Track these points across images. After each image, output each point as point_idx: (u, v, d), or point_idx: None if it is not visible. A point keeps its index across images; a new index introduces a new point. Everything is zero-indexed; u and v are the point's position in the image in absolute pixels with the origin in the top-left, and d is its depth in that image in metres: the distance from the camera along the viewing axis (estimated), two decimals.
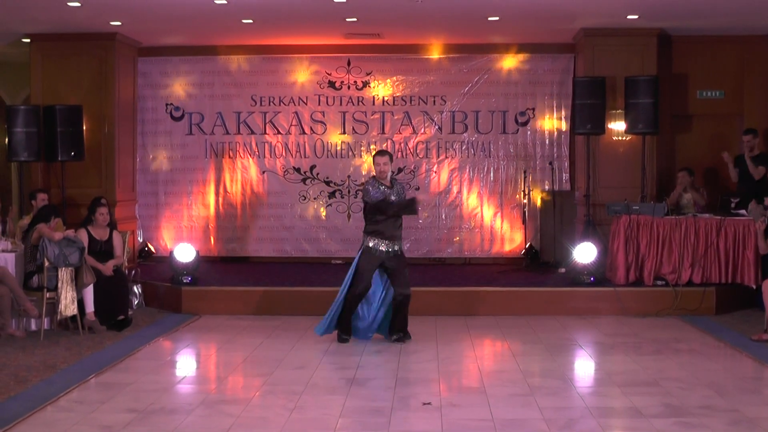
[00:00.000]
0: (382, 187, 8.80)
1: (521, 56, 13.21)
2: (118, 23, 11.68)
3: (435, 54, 13.27)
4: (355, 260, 8.86)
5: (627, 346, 8.88)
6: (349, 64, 13.39)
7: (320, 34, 12.58)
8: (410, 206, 8.88)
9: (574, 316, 10.41)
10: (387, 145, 13.22)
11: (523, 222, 12.92)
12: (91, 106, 12.26)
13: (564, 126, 13.18)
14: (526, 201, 12.89)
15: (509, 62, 13.22)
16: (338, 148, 13.39)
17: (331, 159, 13.42)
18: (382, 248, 8.73)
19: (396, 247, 8.81)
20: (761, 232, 9.77)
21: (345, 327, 8.91)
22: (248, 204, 13.46)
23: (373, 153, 9.52)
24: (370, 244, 8.75)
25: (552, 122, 13.23)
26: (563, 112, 13.17)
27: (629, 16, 11.37)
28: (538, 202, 13.07)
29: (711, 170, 12.81)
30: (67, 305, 9.19)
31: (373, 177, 8.97)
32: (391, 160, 9.05)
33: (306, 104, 13.42)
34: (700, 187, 11.94)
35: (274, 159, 13.44)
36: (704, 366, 7.93)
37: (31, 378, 7.37)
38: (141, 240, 13.41)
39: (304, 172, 13.42)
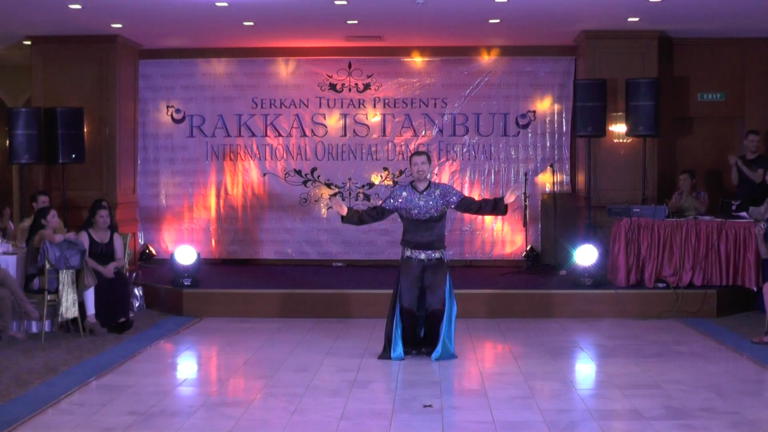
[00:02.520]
0: (405, 193, 8.16)
1: (522, 59, 13.23)
2: (119, 26, 11.69)
3: (436, 56, 13.28)
4: (397, 274, 8.39)
5: (628, 348, 8.87)
6: (350, 66, 13.41)
7: (321, 37, 12.60)
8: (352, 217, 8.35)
9: (575, 318, 10.42)
10: (388, 148, 13.25)
11: (524, 224, 12.93)
12: (92, 109, 12.28)
13: (565, 128, 13.20)
14: (527, 203, 12.89)
15: (510, 65, 13.24)
16: (339, 150, 13.40)
17: (332, 161, 13.44)
18: (422, 257, 8.17)
19: (436, 255, 8.17)
20: (761, 236, 9.77)
21: (408, 341, 8.31)
22: (249, 206, 13.47)
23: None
24: (406, 254, 8.25)
25: (553, 124, 13.24)
26: (564, 115, 13.19)
27: (630, 19, 11.38)
28: (539, 205, 13.07)
29: (712, 172, 12.82)
30: (68, 308, 9.20)
31: (410, 182, 8.30)
32: (429, 160, 8.32)
33: (307, 107, 13.44)
34: (701, 192, 11.92)
35: (275, 161, 13.45)
36: (705, 368, 7.93)
37: (32, 381, 7.37)
38: (142, 242, 13.42)
39: (305, 175, 13.43)
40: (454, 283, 8.39)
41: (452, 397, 7.06)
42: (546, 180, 13.09)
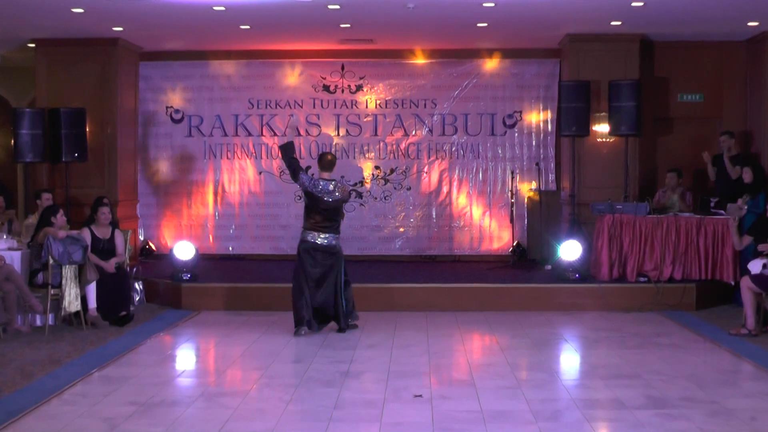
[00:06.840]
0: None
1: (509, 61, 13.23)
2: (120, 29, 11.64)
3: (426, 59, 13.27)
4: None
5: (610, 340, 8.89)
6: (343, 68, 13.39)
7: (315, 40, 12.58)
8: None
9: (559, 311, 10.44)
10: (379, 147, 13.27)
11: (511, 221, 12.93)
12: (94, 109, 12.22)
13: (550, 128, 13.20)
14: (513, 200, 12.90)
15: (497, 67, 13.24)
16: (333, 149, 13.37)
17: None
18: None
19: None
20: (734, 229, 9.80)
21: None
22: (246, 203, 13.45)
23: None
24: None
25: (538, 125, 13.25)
26: (549, 115, 13.20)
27: (612, 23, 11.38)
28: (525, 202, 13.08)
29: (691, 171, 12.82)
30: (71, 302, 9.17)
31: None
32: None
33: (301, 107, 13.42)
34: (687, 193, 11.88)
35: (271, 160, 13.43)
36: (684, 359, 7.95)
37: (36, 372, 7.36)
38: (142, 238, 13.38)
39: None
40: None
41: (441, 387, 7.06)
42: (532, 178, 13.11)
